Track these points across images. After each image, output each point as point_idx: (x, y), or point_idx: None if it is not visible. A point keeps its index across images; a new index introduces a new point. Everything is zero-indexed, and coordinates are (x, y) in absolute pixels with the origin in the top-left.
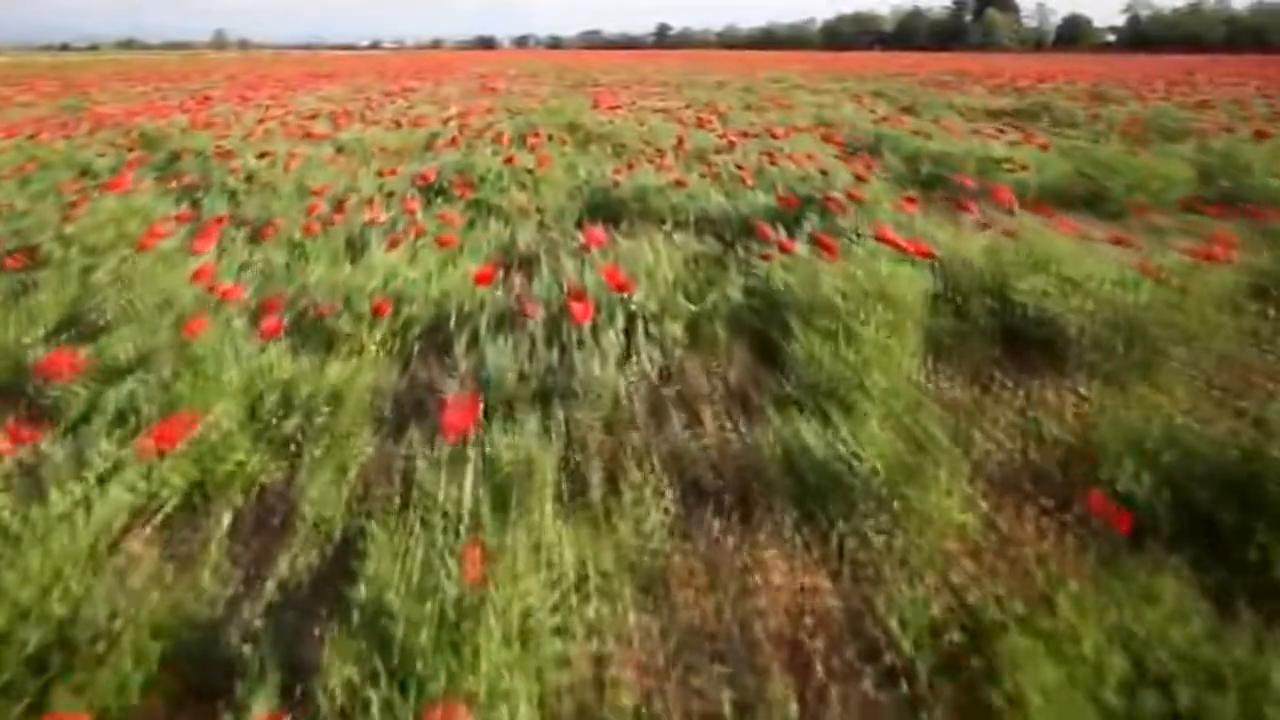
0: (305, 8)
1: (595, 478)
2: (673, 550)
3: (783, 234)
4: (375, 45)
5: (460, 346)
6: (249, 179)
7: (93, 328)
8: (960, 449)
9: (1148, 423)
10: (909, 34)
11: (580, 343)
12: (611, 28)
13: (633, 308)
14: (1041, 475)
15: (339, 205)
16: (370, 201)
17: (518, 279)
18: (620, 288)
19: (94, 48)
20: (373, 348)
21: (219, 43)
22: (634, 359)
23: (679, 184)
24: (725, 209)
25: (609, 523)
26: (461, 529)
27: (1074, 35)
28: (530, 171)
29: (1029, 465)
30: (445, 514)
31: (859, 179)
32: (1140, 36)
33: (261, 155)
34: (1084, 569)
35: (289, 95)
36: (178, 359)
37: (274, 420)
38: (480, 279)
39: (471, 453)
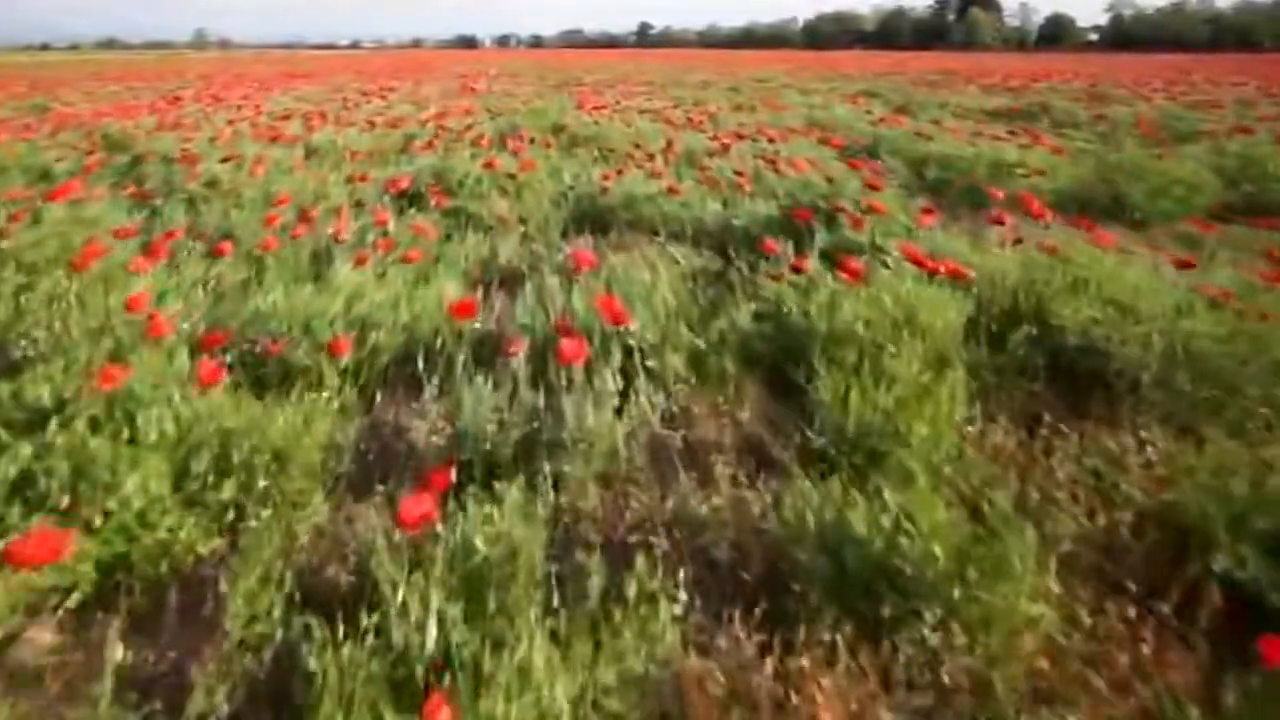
0: (286, 7)
1: (591, 570)
2: (691, 674)
3: (791, 249)
4: (355, 45)
5: (432, 388)
6: (210, 185)
7: (15, 361)
8: (1029, 521)
9: (1235, 481)
10: (891, 33)
11: (570, 383)
12: (593, 27)
13: (630, 341)
14: (1126, 555)
15: (304, 216)
16: (338, 210)
17: (498, 300)
18: (616, 320)
19: (74, 47)
20: (332, 385)
21: (199, 42)
22: (632, 400)
23: (672, 191)
24: (724, 219)
25: (611, 633)
26: (425, 649)
27: (1056, 35)
28: (512, 176)
29: (1108, 541)
30: (404, 634)
31: (871, 187)
32: (1123, 36)
33: (225, 159)
34: (1216, 699)
35: (263, 95)
36: (103, 406)
37: (207, 484)
38: (458, 310)
39: (441, 536)
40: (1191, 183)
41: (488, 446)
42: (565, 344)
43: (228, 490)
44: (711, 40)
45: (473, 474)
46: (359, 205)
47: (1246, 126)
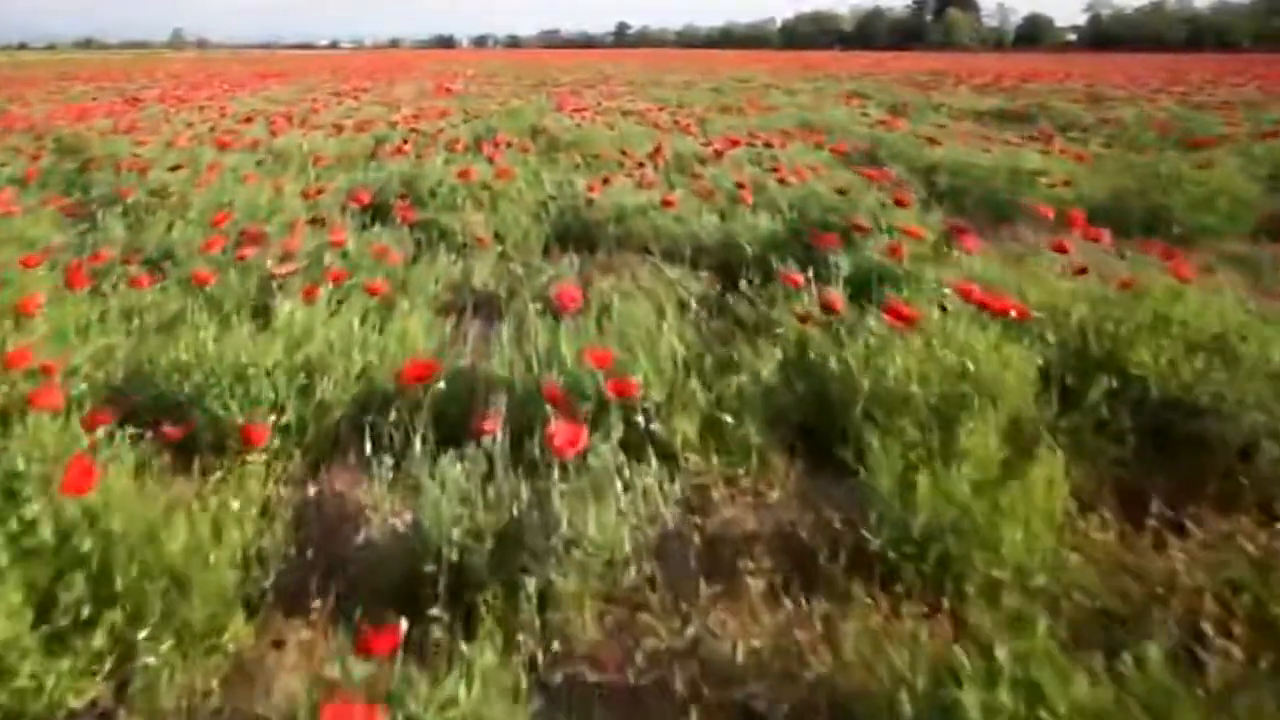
0: (264, 8)
1: None
2: None
3: (812, 276)
4: (334, 45)
5: (386, 470)
6: (156, 194)
7: None
8: (1183, 673)
9: None
10: (869, 34)
11: (562, 469)
12: (570, 27)
13: (632, 405)
14: None
15: (253, 235)
16: (292, 226)
17: (472, 328)
18: (620, 391)
19: (51, 47)
20: (259, 465)
21: (176, 42)
22: (636, 479)
23: (666, 204)
24: (724, 235)
25: None
26: None
27: (1034, 35)
28: (487, 187)
29: None
30: None
31: (899, 203)
32: (1102, 36)
33: (175, 167)
34: None
35: (230, 96)
36: None
37: (79, 619)
38: (414, 373)
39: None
40: (1236, 194)
41: (454, 556)
42: (558, 426)
43: (100, 636)
44: (689, 40)
45: (436, 593)
46: (314, 222)
47: (1273, 130)
